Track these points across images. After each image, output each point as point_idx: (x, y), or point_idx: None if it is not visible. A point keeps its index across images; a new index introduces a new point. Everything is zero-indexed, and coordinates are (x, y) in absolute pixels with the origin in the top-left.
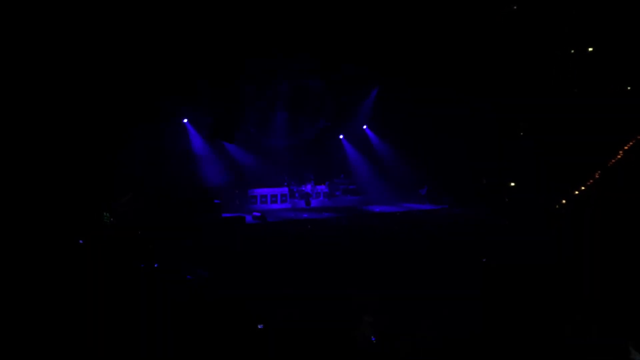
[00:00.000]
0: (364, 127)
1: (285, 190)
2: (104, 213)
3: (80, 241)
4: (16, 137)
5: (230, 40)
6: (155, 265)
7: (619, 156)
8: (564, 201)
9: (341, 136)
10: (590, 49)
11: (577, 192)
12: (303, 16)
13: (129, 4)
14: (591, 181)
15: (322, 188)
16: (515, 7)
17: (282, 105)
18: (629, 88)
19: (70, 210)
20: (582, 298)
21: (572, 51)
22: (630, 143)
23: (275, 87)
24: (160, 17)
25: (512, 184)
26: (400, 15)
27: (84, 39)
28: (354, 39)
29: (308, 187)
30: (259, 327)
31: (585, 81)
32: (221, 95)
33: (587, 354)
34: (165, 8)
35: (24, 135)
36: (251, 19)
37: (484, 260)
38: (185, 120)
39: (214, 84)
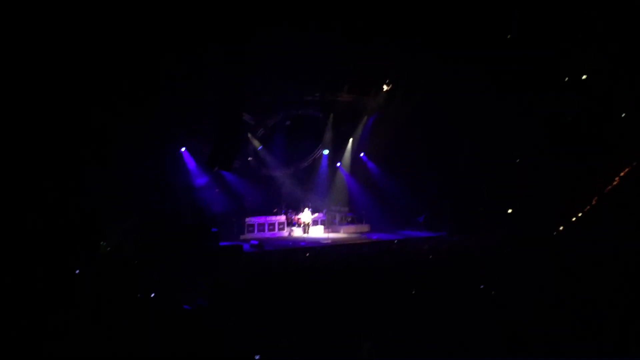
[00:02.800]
0: (361, 154)
1: (282, 218)
2: (101, 242)
3: (77, 271)
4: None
5: (227, 69)
6: (152, 295)
7: (615, 182)
8: (561, 227)
9: (338, 164)
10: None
11: (574, 219)
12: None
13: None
14: (588, 207)
15: (320, 216)
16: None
17: (280, 134)
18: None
19: (67, 239)
20: None
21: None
22: (627, 169)
23: (273, 116)
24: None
25: (510, 211)
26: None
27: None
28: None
29: (305, 215)
30: (256, 357)
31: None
32: (219, 125)
33: None
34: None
35: (23, 159)
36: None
37: (482, 287)
38: (184, 149)
39: (212, 112)
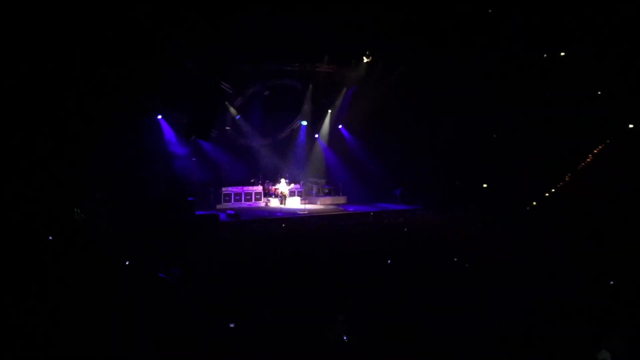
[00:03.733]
0: (340, 126)
1: (259, 188)
2: (75, 209)
3: (50, 237)
4: None
5: (209, 40)
6: (127, 263)
7: (589, 159)
8: (534, 203)
9: (316, 135)
10: (562, 54)
11: (547, 194)
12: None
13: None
14: (562, 183)
15: (297, 187)
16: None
17: (259, 104)
18: (599, 92)
19: (39, 205)
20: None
21: (545, 55)
22: (600, 147)
23: (252, 86)
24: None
25: (485, 186)
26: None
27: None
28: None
29: (282, 186)
30: (231, 325)
31: (557, 85)
32: (197, 94)
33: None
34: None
35: None
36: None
37: (455, 259)
38: (160, 117)
39: (191, 81)
